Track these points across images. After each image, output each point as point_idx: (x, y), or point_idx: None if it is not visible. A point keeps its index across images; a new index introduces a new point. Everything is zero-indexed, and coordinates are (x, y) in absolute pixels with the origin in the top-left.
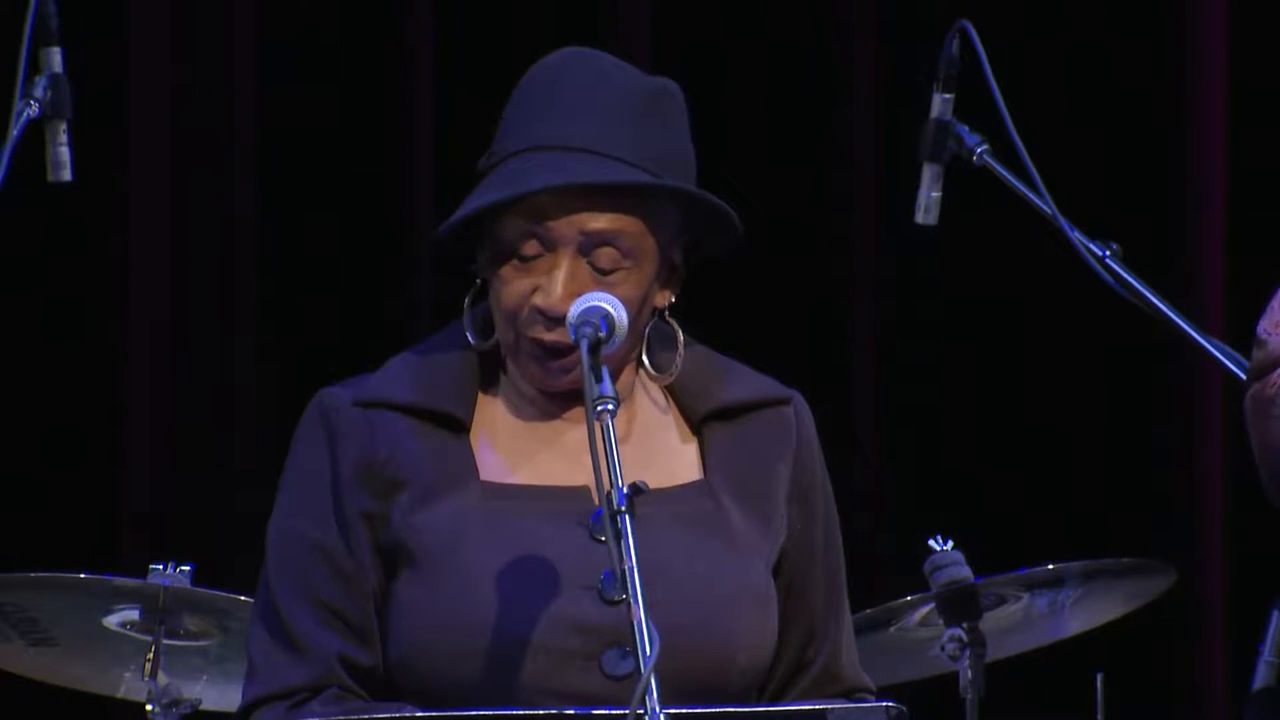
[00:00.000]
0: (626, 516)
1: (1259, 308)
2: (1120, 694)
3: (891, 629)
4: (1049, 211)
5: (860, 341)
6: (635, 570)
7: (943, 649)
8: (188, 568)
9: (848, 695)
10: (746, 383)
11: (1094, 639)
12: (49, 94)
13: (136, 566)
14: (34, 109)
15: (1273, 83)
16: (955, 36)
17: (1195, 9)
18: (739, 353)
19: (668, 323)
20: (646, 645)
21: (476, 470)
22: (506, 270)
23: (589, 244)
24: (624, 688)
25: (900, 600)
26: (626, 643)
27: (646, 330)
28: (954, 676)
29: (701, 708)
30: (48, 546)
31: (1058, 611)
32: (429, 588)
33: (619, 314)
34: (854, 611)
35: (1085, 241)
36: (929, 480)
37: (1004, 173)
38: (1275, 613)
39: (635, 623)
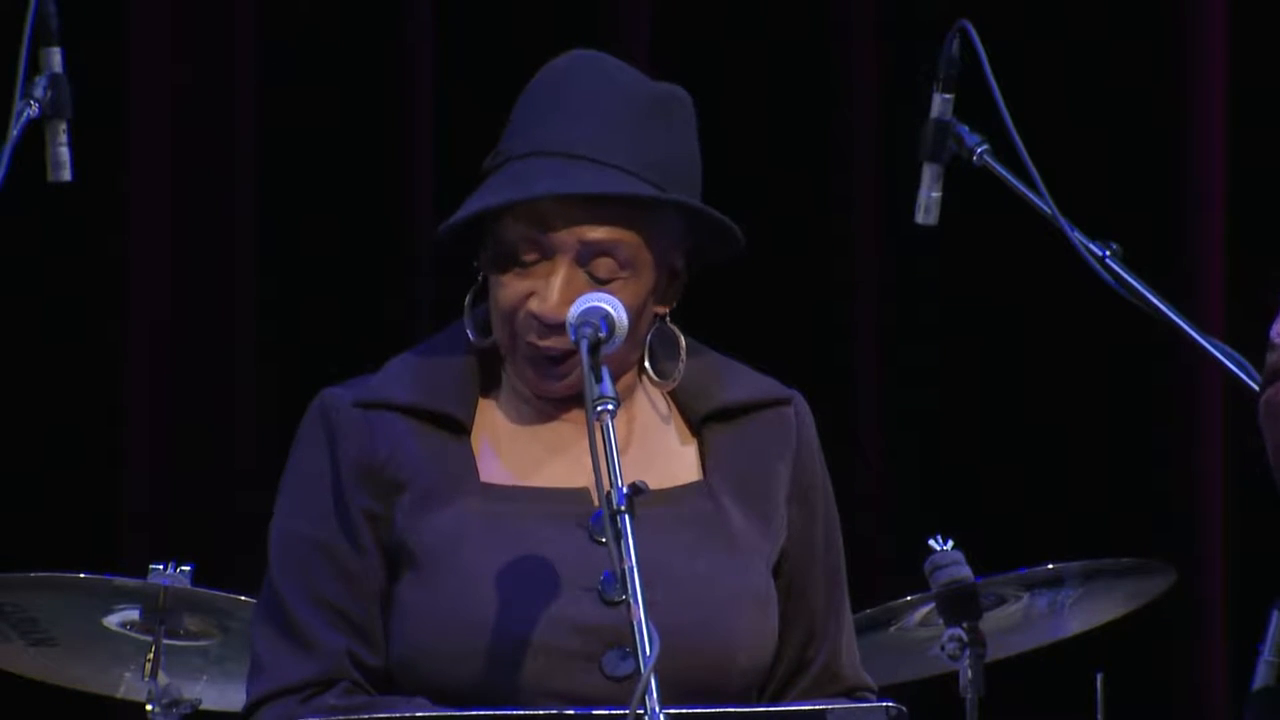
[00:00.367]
0: (626, 516)
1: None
2: (1120, 694)
3: (891, 629)
4: (1049, 211)
5: (861, 342)
6: (635, 570)
7: (943, 649)
8: (188, 568)
9: (848, 695)
10: (746, 383)
11: (1094, 639)
12: (49, 94)
13: (136, 566)
14: (34, 109)
15: (1273, 83)
16: (955, 36)
17: (1195, 9)
18: (740, 353)
19: (670, 328)
20: (646, 645)
21: (477, 472)
22: (504, 274)
23: (587, 253)
24: (624, 689)
25: (900, 600)
26: (627, 644)
27: (648, 337)
28: (954, 676)
29: (701, 708)
30: (48, 546)
31: (1058, 611)
32: (430, 589)
33: (619, 314)
34: (854, 611)
35: (1085, 241)
36: (929, 480)
37: (1004, 173)
38: (1275, 613)
39: (635, 623)
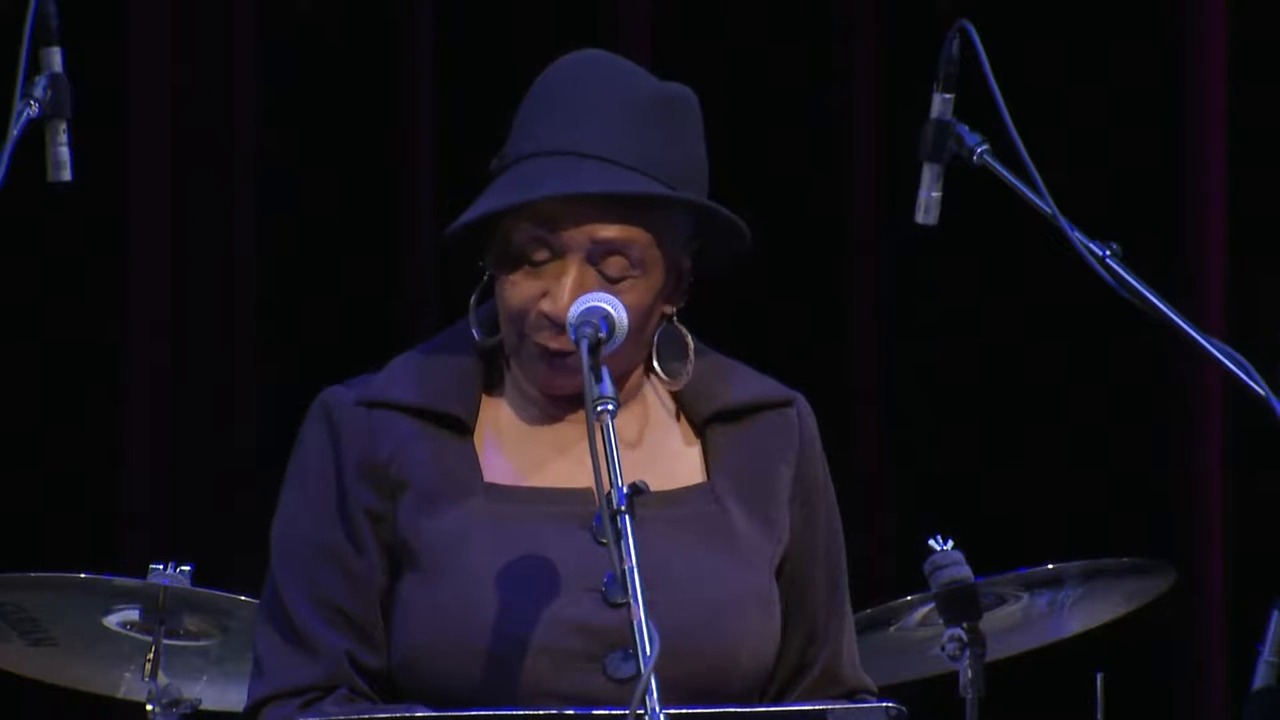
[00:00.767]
0: (626, 516)
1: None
2: (1120, 694)
3: (891, 629)
4: (1049, 211)
5: (860, 341)
6: (635, 570)
7: (943, 649)
8: (188, 568)
9: (849, 696)
10: (749, 384)
11: (1094, 639)
12: (49, 94)
13: (136, 566)
14: (34, 109)
15: (1273, 82)
16: (955, 36)
17: (1195, 9)
18: (740, 353)
19: (677, 328)
20: (646, 645)
21: (480, 472)
22: (514, 274)
23: (598, 252)
24: (627, 690)
25: (900, 600)
26: (629, 645)
27: (656, 336)
28: (954, 676)
29: (702, 708)
30: (48, 546)
31: (1058, 611)
32: (432, 589)
33: (619, 314)
34: (854, 611)
35: (1085, 241)
36: (929, 480)
37: (1004, 173)
38: (1275, 613)
39: (635, 622)
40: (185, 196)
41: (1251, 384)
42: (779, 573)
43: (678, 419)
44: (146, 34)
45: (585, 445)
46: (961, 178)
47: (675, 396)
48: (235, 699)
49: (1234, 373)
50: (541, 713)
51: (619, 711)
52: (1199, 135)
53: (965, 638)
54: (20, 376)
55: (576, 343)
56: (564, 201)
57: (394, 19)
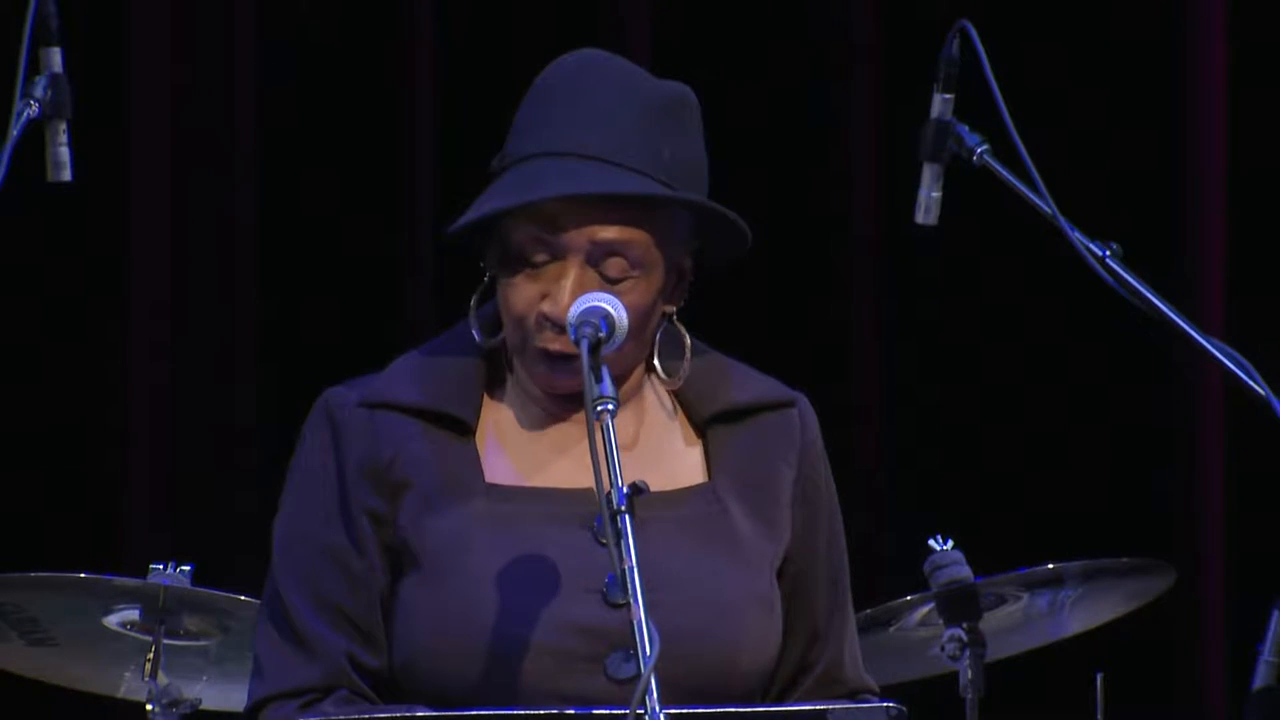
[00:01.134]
0: (626, 516)
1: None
2: (1120, 694)
3: (891, 629)
4: (1049, 211)
5: (860, 341)
6: (635, 570)
7: (943, 649)
8: (188, 568)
9: (851, 697)
10: (751, 385)
11: (1094, 639)
12: (49, 94)
13: (136, 566)
14: (34, 109)
15: (1273, 83)
16: (955, 36)
17: (1195, 9)
18: (740, 353)
19: (676, 328)
20: (646, 645)
21: (481, 473)
22: (515, 276)
23: (598, 253)
24: (627, 691)
25: (900, 600)
26: (630, 646)
27: (657, 336)
28: (954, 676)
29: (702, 708)
30: (48, 546)
31: (1058, 611)
32: (434, 590)
33: (619, 314)
34: (854, 611)
35: (1085, 241)
36: (929, 480)
37: (1004, 173)
38: (1275, 613)
39: (635, 622)
40: (185, 196)
41: (1251, 384)
42: (780, 574)
43: (678, 419)
44: (146, 34)
45: (586, 446)
46: (962, 178)
47: (676, 396)
48: (235, 699)
49: (1234, 373)
50: (541, 713)
51: (619, 711)
52: (1199, 135)
53: (965, 638)
54: (20, 376)
55: (576, 343)
56: (564, 203)
57: (394, 19)
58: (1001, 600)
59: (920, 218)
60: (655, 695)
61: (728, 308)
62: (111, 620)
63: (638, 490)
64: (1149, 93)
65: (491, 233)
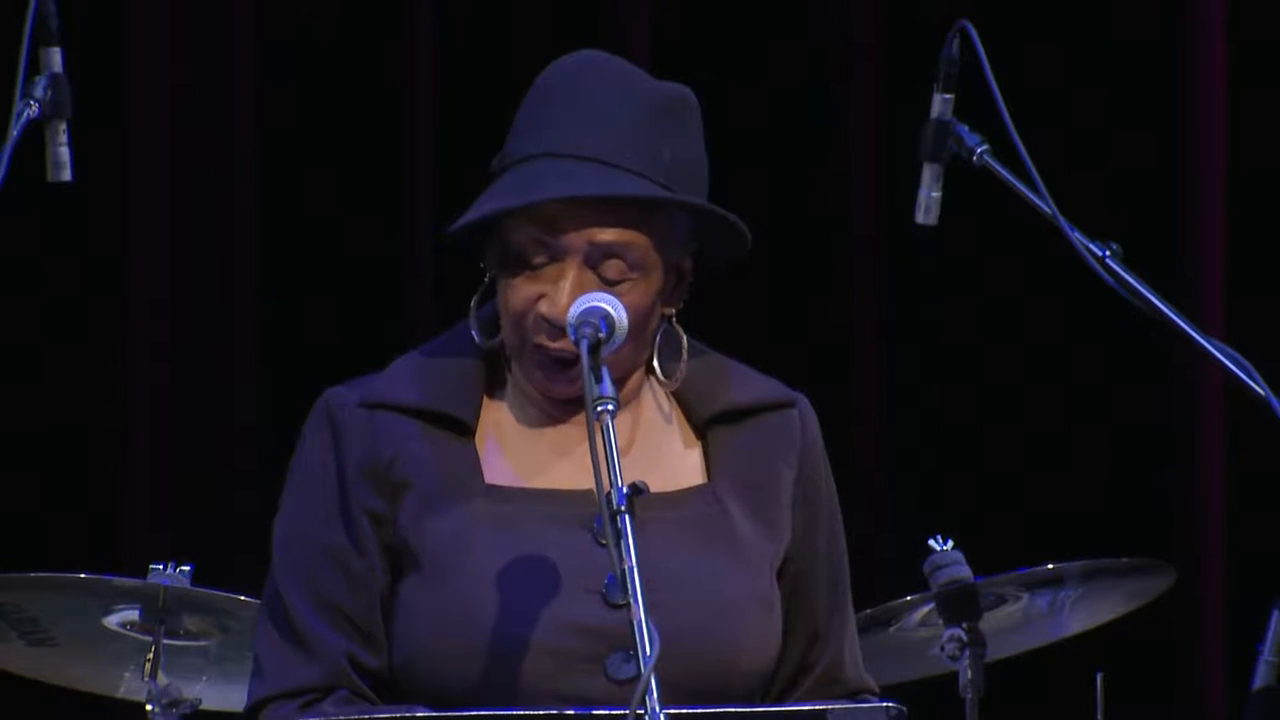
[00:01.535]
0: (626, 516)
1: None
2: (1120, 694)
3: (891, 629)
4: (1049, 211)
5: (860, 341)
6: (635, 570)
7: (943, 649)
8: (188, 568)
9: (851, 697)
10: (751, 386)
11: (1094, 639)
12: (49, 94)
13: (136, 566)
14: (34, 109)
15: (1273, 82)
16: (955, 36)
17: (1195, 9)
18: (740, 354)
19: (674, 329)
20: (646, 645)
21: (481, 473)
22: (514, 277)
23: (596, 255)
24: (628, 691)
25: (900, 600)
26: (630, 646)
27: (657, 337)
28: (954, 676)
29: (702, 708)
30: (48, 546)
31: (1058, 611)
32: (434, 590)
33: (619, 314)
34: (854, 611)
35: (1085, 241)
36: (929, 480)
37: (1004, 173)
38: (1275, 613)
39: (635, 622)
40: (185, 196)
41: (1251, 384)
42: (780, 574)
43: (677, 420)
44: (146, 34)
45: (586, 446)
46: (962, 178)
47: (675, 397)
48: (235, 699)
49: (1234, 373)
50: (541, 713)
51: (619, 712)
52: (1199, 134)
53: (965, 638)
54: (20, 376)
55: (576, 343)
56: (563, 204)
57: (394, 19)
58: (1001, 600)
59: (920, 218)
60: (655, 695)
61: (728, 308)
62: (111, 620)
63: (638, 490)
64: (1149, 93)
65: (491, 233)
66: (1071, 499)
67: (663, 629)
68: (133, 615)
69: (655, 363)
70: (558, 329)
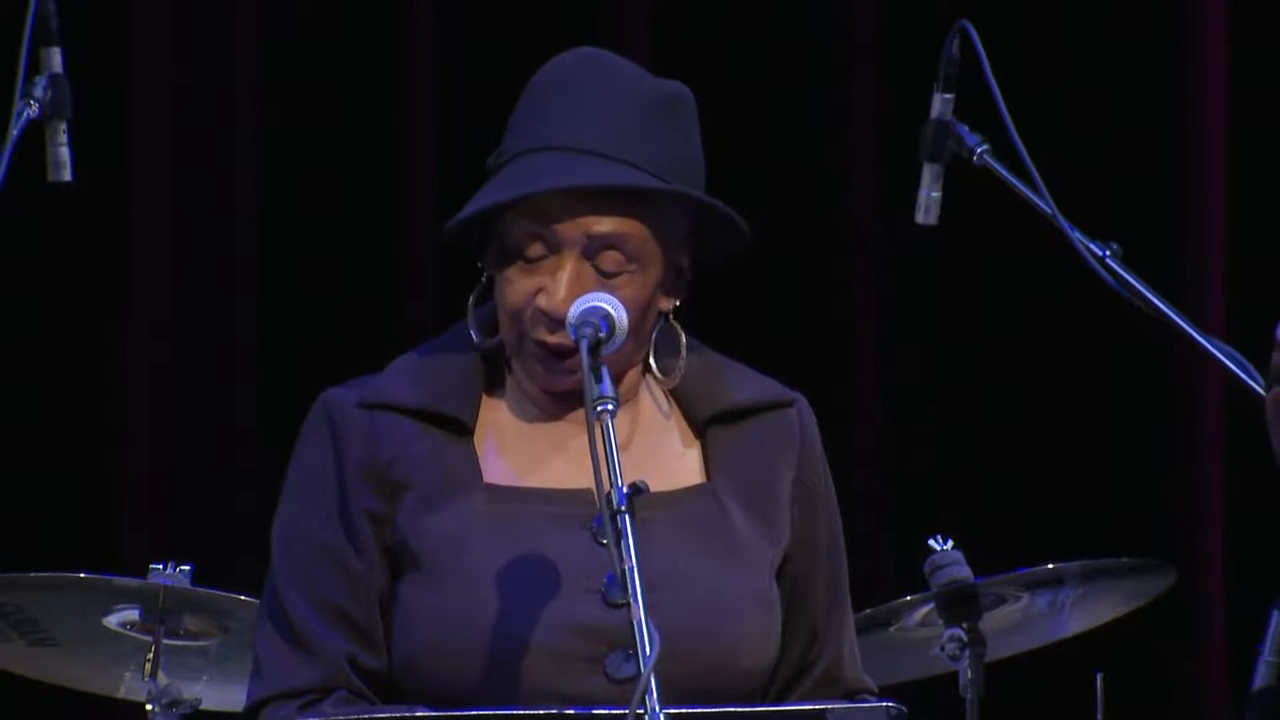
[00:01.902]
0: (626, 516)
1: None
2: (1120, 694)
3: (891, 629)
4: (1049, 211)
5: (860, 341)
6: (635, 570)
7: (943, 649)
8: (188, 568)
9: (850, 697)
10: (750, 385)
11: (1094, 639)
12: (49, 94)
13: (136, 566)
14: (34, 109)
15: (1273, 82)
16: (955, 36)
17: (1195, 9)
18: (739, 353)
19: (672, 326)
20: (646, 645)
21: (480, 473)
22: (511, 270)
23: (593, 247)
24: (627, 691)
25: (900, 600)
26: (630, 646)
27: (653, 334)
28: (954, 676)
29: (702, 708)
30: (48, 546)
31: (1058, 611)
32: (433, 591)
33: (619, 314)
34: (854, 611)
35: (1085, 241)
36: (929, 480)
37: (1004, 173)
38: (1275, 613)
39: (635, 622)
40: (185, 196)
41: (1251, 384)
42: (779, 574)
43: (675, 419)
44: (146, 34)
45: (585, 445)
46: (962, 178)
47: (674, 396)
48: (235, 699)
49: (1234, 373)
50: (541, 713)
51: (619, 711)
52: (1199, 135)
53: (965, 638)
54: (20, 376)
55: (577, 343)
56: (559, 196)
57: (394, 19)
58: (1001, 600)
59: (920, 218)
60: (655, 695)
61: (727, 308)
62: (111, 620)
63: (638, 490)
64: (1149, 93)
65: (489, 231)
66: (1071, 499)
67: (662, 628)
68: (133, 615)
69: (652, 360)
70: (556, 322)
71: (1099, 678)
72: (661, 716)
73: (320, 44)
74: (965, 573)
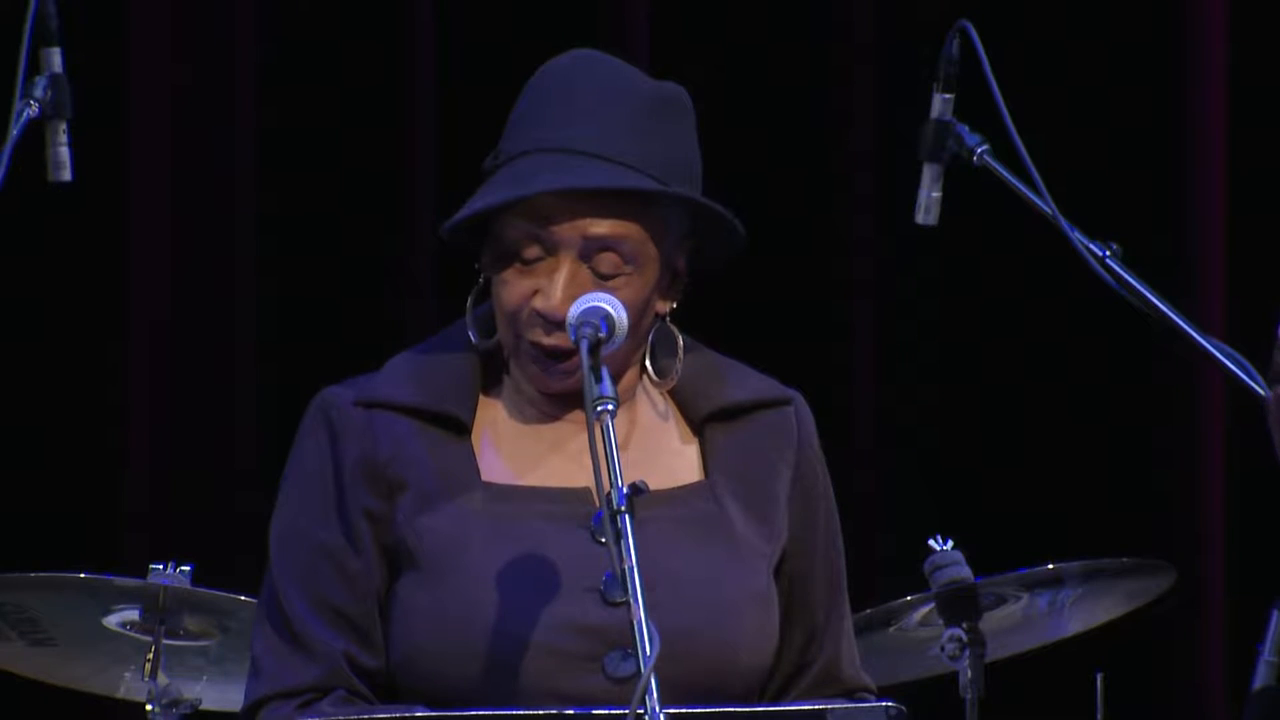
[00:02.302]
0: (626, 516)
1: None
2: (1120, 694)
3: (891, 629)
4: (1049, 211)
5: (860, 341)
6: (635, 570)
7: (943, 649)
8: (188, 568)
9: (848, 696)
10: (747, 384)
11: (1094, 639)
12: (49, 94)
13: (136, 566)
14: (34, 109)
15: (1273, 83)
16: (955, 36)
17: (1196, 9)
18: (739, 353)
19: (669, 327)
20: (646, 645)
21: (478, 472)
22: (508, 272)
23: (590, 249)
24: (626, 690)
25: (900, 600)
26: (628, 644)
27: (650, 336)
28: (954, 676)
29: (701, 708)
30: (48, 546)
31: (1058, 611)
32: (432, 590)
33: (619, 314)
34: (854, 611)
35: (1085, 241)
36: (929, 480)
37: (1004, 173)
38: (1275, 613)
39: (635, 622)
40: (185, 197)
41: (1251, 384)
42: (778, 572)
43: (673, 418)
44: (146, 34)
45: (583, 444)
46: (962, 178)
47: (671, 396)
48: (235, 699)
49: (1234, 373)
50: (541, 713)
51: (619, 711)
52: (1199, 134)
53: (965, 638)
54: (20, 376)
55: (576, 343)
56: (556, 198)
57: (394, 19)
58: (1001, 600)
59: (920, 218)
60: (655, 695)
61: (727, 308)
62: (111, 620)
63: (638, 490)
64: (1149, 93)
65: (487, 232)
66: (1071, 499)
67: (661, 627)
68: (133, 615)
69: (648, 361)
70: (552, 324)
71: (1099, 678)
72: (661, 716)
73: (320, 44)
74: (965, 573)
